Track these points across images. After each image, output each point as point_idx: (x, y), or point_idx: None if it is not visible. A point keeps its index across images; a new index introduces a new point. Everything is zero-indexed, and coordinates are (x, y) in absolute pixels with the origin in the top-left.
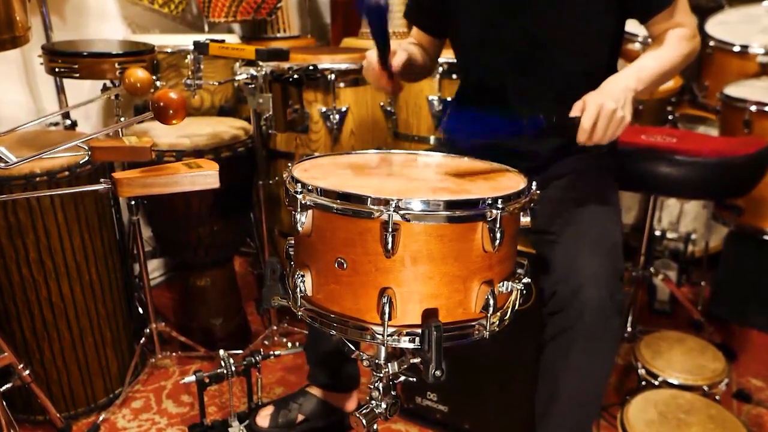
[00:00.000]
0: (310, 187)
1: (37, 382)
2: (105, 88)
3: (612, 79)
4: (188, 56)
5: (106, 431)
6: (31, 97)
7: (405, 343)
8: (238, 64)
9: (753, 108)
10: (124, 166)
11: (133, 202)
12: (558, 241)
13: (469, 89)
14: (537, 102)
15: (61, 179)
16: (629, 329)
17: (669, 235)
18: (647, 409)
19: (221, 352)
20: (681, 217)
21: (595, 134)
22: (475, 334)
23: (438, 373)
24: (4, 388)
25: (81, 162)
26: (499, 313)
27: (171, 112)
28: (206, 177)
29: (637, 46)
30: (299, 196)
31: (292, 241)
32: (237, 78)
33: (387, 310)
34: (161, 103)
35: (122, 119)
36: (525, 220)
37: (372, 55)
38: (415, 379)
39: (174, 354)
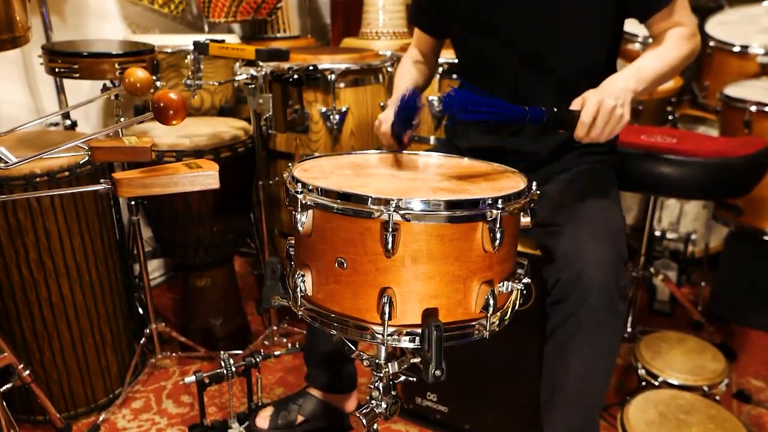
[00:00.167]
0: (310, 187)
1: (37, 382)
2: (105, 88)
3: (612, 79)
4: (188, 56)
5: (106, 431)
6: (31, 97)
7: (405, 343)
8: (238, 64)
9: (753, 108)
10: (124, 166)
11: (133, 203)
12: (561, 231)
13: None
14: (537, 101)
15: (61, 179)
16: (629, 329)
17: (669, 235)
18: (647, 409)
19: (221, 352)
20: (681, 218)
21: (594, 130)
22: (475, 334)
23: (438, 373)
24: (4, 388)
25: (81, 162)
26: (499, 313)
27: (171, 112)
28: (206, 177)
29: (637, 46)
30: (299, 196)
31: (293, 241)
32: (237, 78)
33: (387, 309)
34: (161, 104)
35: (122, 119)
36: (525, 220)
37: (387, 122)
38: (415, 379)
39: (174, 354)
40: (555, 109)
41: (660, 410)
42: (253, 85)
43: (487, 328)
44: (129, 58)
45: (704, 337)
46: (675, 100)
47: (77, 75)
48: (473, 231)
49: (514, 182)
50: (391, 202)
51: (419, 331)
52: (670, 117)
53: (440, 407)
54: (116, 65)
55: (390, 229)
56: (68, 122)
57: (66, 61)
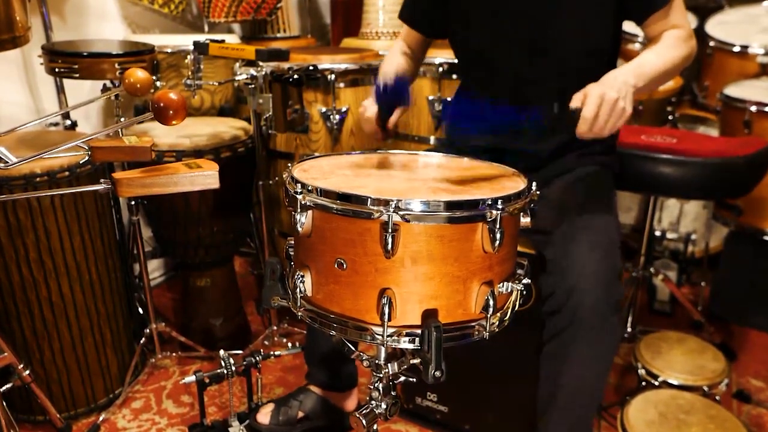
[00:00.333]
0: (310, 188)
1: (37, 382)
2: (105, 89)
3: (611, 74)
4: (188, 56)
5: (106, 431)
6: (31, 97)
7: (405, 344)
8: (238, 64)
9: (753, 108)
10: (124, 166)
11: (133, 202)
12: (556, 241)
13: (470, 87)
14: (538, 101)
15: (61, 179)
16: (629, 329)
17: (669, 235)
18: (647, 409)
19: (221, 352)
20: (681, 218)
21: (597, 124)
22: (475, 334)
23: (438, 373)
24: (4, 388)
25: (81, 162)
26: (499, 314)
27: (171, 112)
28: (206, 177)
29: (636, 46)
30: (299, 197)
31: (292, 242)
32: (237, 78)
33: (387, 310)
34: (161, 104)
35: (122, 119)
36: (525, 220)
37: (371, 109)
38: (414, 380)
39: (174, 354)
40: (555, 110)
41: (660, 410)
42: (253, 85)
43: (487, 328)
44: (129, 58)
45: (704, 337)
46: (675, 100)
47: (77, 75)
48: (473, 231)
49: (514, 182)
50: (390, 202)
51: (419, 331)
52: (670, 117)
53: (440, 407)
54: (116, 65)
55: (390, 230)
56: (68, 122)
57: (66, 61)
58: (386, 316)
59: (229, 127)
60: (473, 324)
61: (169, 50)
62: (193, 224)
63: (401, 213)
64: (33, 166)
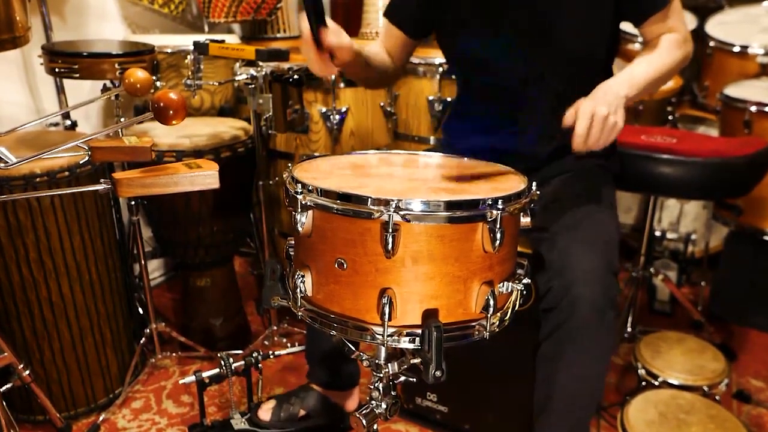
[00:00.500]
0: (310, 188)
1: (37, 382)
2: (105, 89)
3: (603, 86)
4: (188, 56)
5: (106, 431)
6: (31, 97)
7: (405, 344)
8: (238, 64)
9: (753, 108)
10: (124, 166)
11: (133, 202)
12: (553, 239)
13: (468, 94)
14: (535, 102)
15: (61, 179)
16: (629, 329)
17: (669, 235)
18: (647, 409)
19: (221, 352)
20: (681, 218)
21: (590, 140)
22: (476, 334)
23: (438, 373)
24: (4, 388)
25: (81, 162)
26: (499, 314)
27: (171, 112)
28: (206, 177)
29: (636, 46)
30: (299, 197)
31: (292, 242)
32: (237, 78)
33: (387, 310)
34: (161, 104)
35: (122, 119)
36: (525, 220)
37: (305, 27)
38: (415, 380)
39: (174, 354)
40: (548, 129)
41: (660, 410)
42: (253, 85)
43: (487, 328)
44: (129, 58)
45: (704, 337)
46: (675, 100)
47: (77, 75)
48: (473, 231)
49: (514, 182)
50: (391, 202)
51: (419, 331)
52: (670, 117)
53: (440, 407)
54: (116, 65)
55: (390, 230)
56: (68, 122)
57: (66, 61)
58: (386, 316)
59: (229, 127)
60: (473, 324)
61: (169, 50)
62: (193, 224)
63: (402, 213)
64: (33, 166)
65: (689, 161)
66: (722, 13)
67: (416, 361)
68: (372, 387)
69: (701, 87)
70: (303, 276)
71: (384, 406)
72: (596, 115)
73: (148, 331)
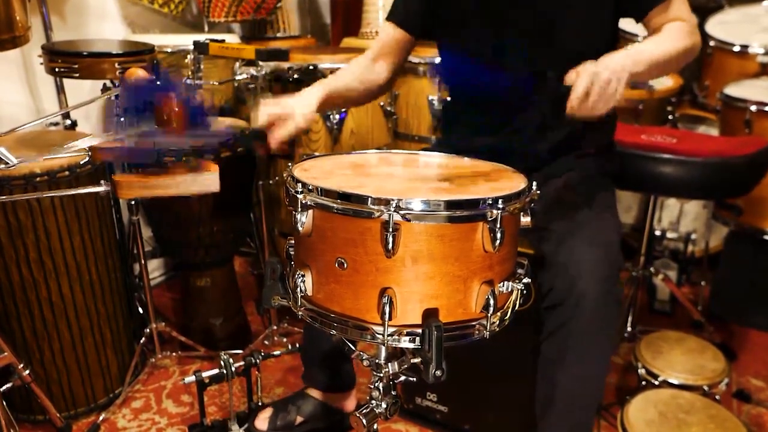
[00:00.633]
0: (310, 187)
1: (37, 382)
2: (105, 88)
3: (610, 55)
4: (188, 56)
5: (106, 431)
6: (31, 97)
7: (405, 343)
8: (238, 64)
9: (753, 108)
10: (124, 166)
11: (133, 202)
12: (555, 238)
13: (461, 96)
14: (534, 101)
15: (61, 179)
16: (629, 329)
17: (669, 235)
18: (647, 409)
19: (221, 352)
20: (681, 217)
21: (587, 102)
22: (476, 334)
23: (438, 373)
24: (4, 388)
25: (81, 162)
26: (499, 313)
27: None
28: (206, 180)
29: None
30: (300, 196)
31: (292, 241)
32: (237, 78)
33: (387, 310)
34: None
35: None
36: (525, 220)
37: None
38: (415, 379)
39: (174, 354)
40: (546, 75)
41: (660, 410)
42: (253, 85)
43: (488, 328)
44: (129, 57)
45: (704, 336)
46: (675, 100)
47: (77, 75)
48: (473, 231)
49: (514, 182)
50: (391, 202)
51: (419, 331)
52: (670, 117)
53: (440, 407)
54: (116, 65)
55: (390, 229)
56: (68, 122)
57: (66, 61)
58: (387, 316)
59: (229, 127)
60: (474, 323)
61: (169, 50)
62: (193, 224)
63: (402, 212)
64: (33, 166)
65: (689, 161)
66: (722, 12)
67: (416, 360)
68: (372, 387)
69: (701, 86)
70: (303, 275)
71: (384, 405)
72: (598, 77)
73: (148, 330)
